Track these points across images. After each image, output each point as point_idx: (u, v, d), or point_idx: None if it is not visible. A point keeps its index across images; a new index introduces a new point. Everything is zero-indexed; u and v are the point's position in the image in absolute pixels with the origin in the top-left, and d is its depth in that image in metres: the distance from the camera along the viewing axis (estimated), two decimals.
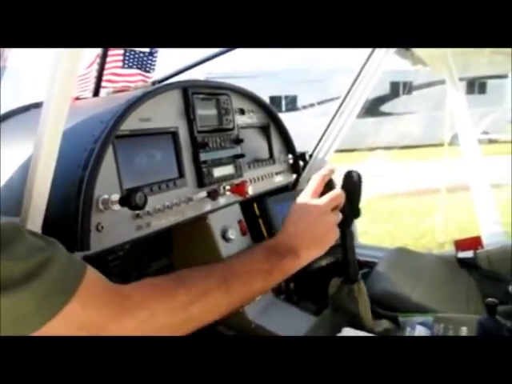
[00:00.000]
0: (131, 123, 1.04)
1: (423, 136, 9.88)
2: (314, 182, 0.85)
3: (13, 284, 0.52)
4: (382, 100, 11.40)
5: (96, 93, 1.43)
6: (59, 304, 0.55)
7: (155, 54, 1.43)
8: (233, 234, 1.29)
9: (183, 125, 1.20)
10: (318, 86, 10.93)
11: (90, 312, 0.58)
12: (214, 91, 1.33)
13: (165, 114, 1.15)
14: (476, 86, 11.59)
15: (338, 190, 0.84)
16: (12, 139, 1.11)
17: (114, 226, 0.95)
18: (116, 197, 0.93)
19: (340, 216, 0.82)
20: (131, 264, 1.20)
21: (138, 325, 0.62)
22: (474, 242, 1.53)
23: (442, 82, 2.30)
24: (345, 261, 0.96)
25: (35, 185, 0.79)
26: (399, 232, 4.55)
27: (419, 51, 1.98)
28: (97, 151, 0.92)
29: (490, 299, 0.94)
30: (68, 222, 0.89)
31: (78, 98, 1.46)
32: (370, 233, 4.47)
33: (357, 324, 0.97)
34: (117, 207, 0.94)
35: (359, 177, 0.91)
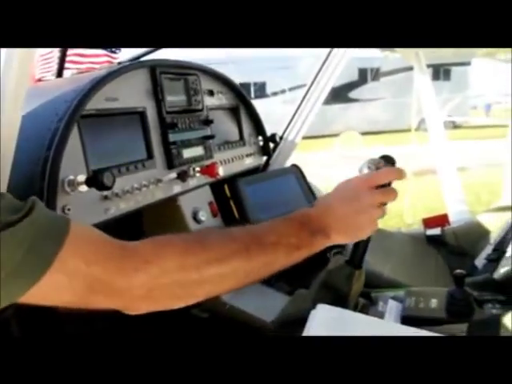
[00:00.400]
0: (97, 102, 1.00)
1: (390, 122, 10.06)
2: (381, 173, 0.78)
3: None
4: (350, 86, 11.50)
5: (59, 74, 1.38)
6: (50, 253, 0.52)
7: None
8: (204, 215, 1.28)
9: (151, 105, 1.17)
10: (287, 72, 10.93)
11: (93, 267, 0.55)
12: (183, 71, 1.30)
13: (132, 93, 1.12)
14: (441, 72, 11.84)
15: (394, 188, 0.77)
16: None
17: (81, 209, 0.92)
18: (82, 177, 0.91)
19: (384, 213, 0.77)
20: None
21: (147, 280, 0.58)
22: (441, 220, 1.58)
23: (409, 69, 2.33)
24: (356, 245, 0.93)
25: None
26: None
27: None
28: (61, 130, 0.89)
29: (458, 271, 0.97)
30: None
31: (40, 80, 1.40)
32: None
33: (338, 304, 0.97)
34: (84, 188, 0.91)
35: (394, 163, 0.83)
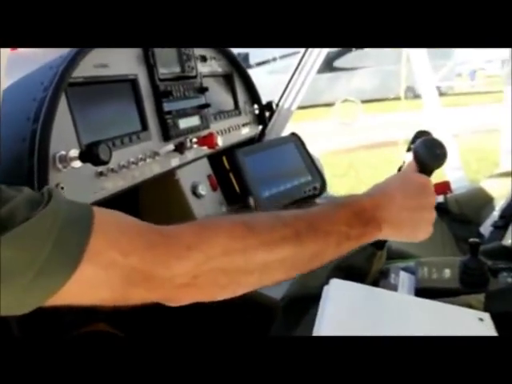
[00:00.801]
0: (85, 69, 0.92)
1: (378, 90, 9.98)
2: None
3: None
4: (334, 56, 11.34)
5: None
6: (79, 244, 0.46)
7: None
8: (203, 189, 1.22)
9: (143, 71, 1.09)
10: None
11: (131, 258, 0.49)
12: None
13: (122, 59, 1.04)
14: None
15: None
16: None
17: (76, 187, 0.86)
18: (75, 152, 0.83)
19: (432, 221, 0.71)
20: None
21: (191, 268, 0.52)
22: (443, 187, 1.54)
23: None
24: None
25: None
26: (359, 186, 4.63)
27: None
28: (48, 100, 0.81)
29: (472, 239, 0.93)
30: (21, 183, 0.79)
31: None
32: (331, 187, 4.52)
33: (354, 281, 0.93)
34: (77, 164, 0.84)
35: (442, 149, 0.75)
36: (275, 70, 11.00)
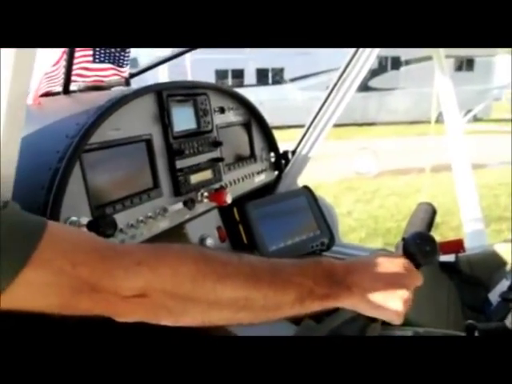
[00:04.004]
0: (100, 134, 0.97)
1: (410, 112, 9.84)
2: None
3: None
4: (370, 75, 11.27)
5: (66, 90, 1.35)
6: (27, 248, 0.50)
7: (128, 51, 1.35)
8: (211, 242, 1.25)
9: (157, 131, 1.13)
10: (305, 58, 10.74)
11: (79, 268, 0.52)
12: (191, 91, 1.26)
13: (137, 121, 1.08)
14: (464, 63, 11.50)
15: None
16: None
17: None
18: (85, 220, 0.88)
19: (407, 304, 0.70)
20: None
21: (137, 283, 0.55)
22: (456, 245, 1.52)
23: (430, 58, 2.26)
24: None
25: None
26: (383, 214, 4.57)
27: None
28: (62, 171, 0.86)
29: (469, 322, 0.93)
30: None
31: (47, 94, 1.37)
32: (353, 214, 4.48)
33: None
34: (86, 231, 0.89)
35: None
36: (306, 87, 11.02)
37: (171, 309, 0.58)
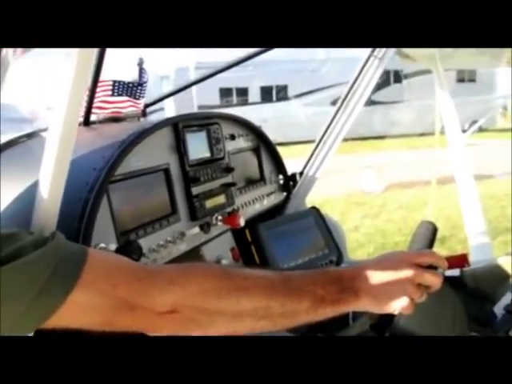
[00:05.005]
0: (123, 166, 1.05)
1: (414, 125, 9.90)
2: (425, 253, 0.81)
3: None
4: (373, 89, 11.37)
5: (86, 121, 1.44)
6: (74, 273, 0.57)
7: (144, 84, 1.44)
8: (226, 262, 1.32)
9: (174, 160, 1.22)
10: (308, 75, 10.89)
11: (119, 288, 0.60)
12: (205, 122, 1.34)
13: (156, 151, 1.17)
14: (466, 74, 11.60)
15: (439, 278, 0.75)
16: (14, 170, 1.09)
17: None
18: (113, 246, 0.96)
19: (422, 298, 0.75)
20: None
21: (170, 300, 0.62)
22: (461, 260, 1.57)
23: (431, 71, 2.31)
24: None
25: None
26: (390, 228, 4.61)
27: (408, 50, 1.98)
28: (92, 201, 0.94)
29: (474, 335, 0.98)
30: None
31: None
32: (361, 229, 4.52)
33: None
34: None
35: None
36: (310, 103, 11.14)
37: (200, 322, 0.65)
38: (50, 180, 0.77)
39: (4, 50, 0.85)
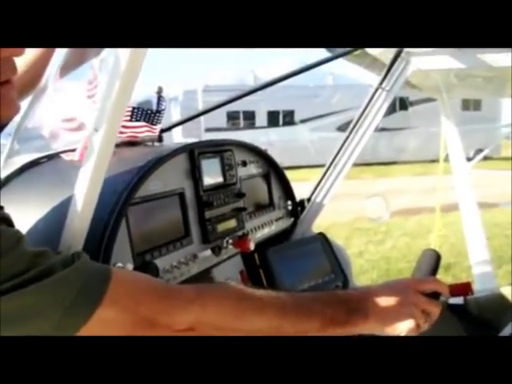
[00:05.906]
0: (141, 189, 1.11)
1: (419, 151, 9.97)
2: (432, 281, 0.85)
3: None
4: None
5: None
6: (100, 291, 0.60)
7: (162, 112, 1.50)
8: None
9: (189, 185, 1.27)
10: (314, 101, 11.06)
11: (141, 306, 0.63)
12: (219, 149, 1.40)
13: (172, 176, 1.22)
14: (471, 102, 11.74)
15: (439, 307, 0.80)
16: (34, 191, 1.14)
17: None
18: (130, 266, 1.00)
19: (426, 325, 0.79)
20: None
21: (189, 318, 0.66)
22: (465, 288, 1.59)
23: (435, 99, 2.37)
24: None
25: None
26: (395, 254, 4.62)
27: (414, 81, 2.05)
28: (113, 223, 0.99)
29: None
30: None
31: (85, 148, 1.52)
32: (365, 255, 4.53)
33: None
34: None
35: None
36: (316, 128, 11.28)
37: (218, 331, 0.69)
38: (82, 200, 0.81)
39: (44, 78, 0.91)
